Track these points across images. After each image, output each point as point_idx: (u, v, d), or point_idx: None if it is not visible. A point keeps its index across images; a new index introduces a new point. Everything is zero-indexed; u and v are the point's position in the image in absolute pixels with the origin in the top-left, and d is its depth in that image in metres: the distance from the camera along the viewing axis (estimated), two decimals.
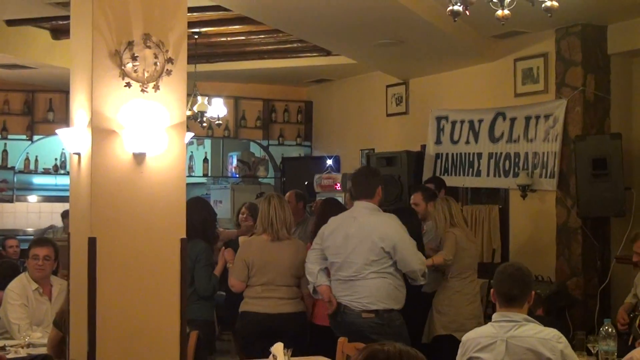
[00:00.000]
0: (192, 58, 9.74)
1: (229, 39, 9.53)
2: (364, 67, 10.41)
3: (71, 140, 4.61)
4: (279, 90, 12.24)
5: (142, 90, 4.44)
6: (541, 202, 8.11)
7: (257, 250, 6.05)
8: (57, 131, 4.77)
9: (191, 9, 7.85)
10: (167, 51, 4.51)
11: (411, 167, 9.36)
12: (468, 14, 3.96)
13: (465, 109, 9.07)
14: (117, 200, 4.38)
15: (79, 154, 4.61)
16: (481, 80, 9.06)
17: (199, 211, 6.15)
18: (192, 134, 7.08)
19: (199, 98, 9.25)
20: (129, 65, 4.41)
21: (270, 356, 4.87)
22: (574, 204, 7.60)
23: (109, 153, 4.37)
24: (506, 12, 3.97)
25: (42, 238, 7.16)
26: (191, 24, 8.65)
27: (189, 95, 9.37)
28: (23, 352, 5.17)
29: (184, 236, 4.54)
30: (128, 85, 4.40)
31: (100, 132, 4.36)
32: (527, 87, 8.33)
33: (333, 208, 6.64)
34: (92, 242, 4.29)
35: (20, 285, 5.95)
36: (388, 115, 10.53)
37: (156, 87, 4.48)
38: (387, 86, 10.49)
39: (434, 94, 9.77)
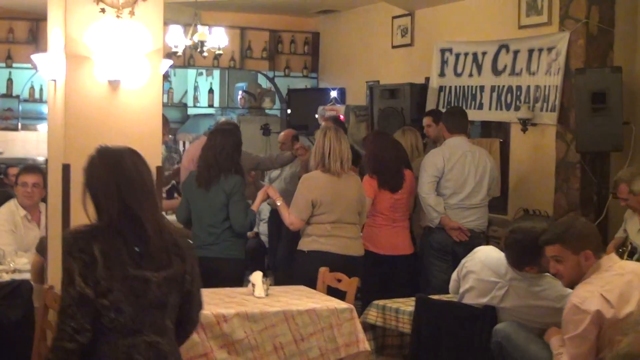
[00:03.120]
0: None
1: None
2: None
3: (47, 66, 4.57)
4: (286, 21, 12.08)
5: (117, 16, 4.39)
6: (541, 136, 8.01)
7: (324, 186, 5.74)
8: (31, 57, 4.73)
9: None
10: None
11: (414, 100, 9.25)
12: None
13: (469, 41, 8.92)
14: (91, 128, 4.38)
15: (54, 81, 4.58)
16: (486, 11, 8.89)
17: (227, 141, 5.85)
18: (171, 62, 6.81)
19: (199, 27, 9.11)
20: None
21: (250, 285, 4.90)
22: (574, 138, 7.50)
23: (83, 80, 4.36)
24: None
25: (31, 165, 7.17)
26: None
27: (189, 24, 9.30)
28: (7, 277, 5.22)
29: (160, 164, 4.53)
30: (102, 10, 4.35)
31: (75, 59, 4.34)
32: (531, 19, 8.16)
33: (388, 143, 6.79)
34: (65, 168, 4.29)
35: (9, 211, 5.98)
36: (393, 47, 10.39)
37: (132, 13, 4.42)
38: (393, 17, 10.32)
39: (439, 26, 9.61)
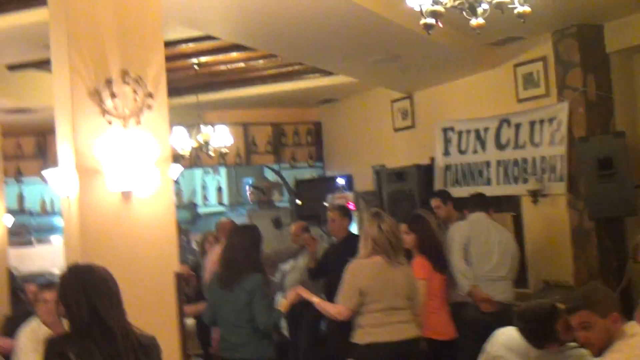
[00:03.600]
0: (194, 88, 9.88)
1: (229, 66, 9.53)
2: (368, 84, 10.40)
3: (57, 181, 4.62)
4: (287, 114, 12.26)
5: (124, 126, 4.46)
6: (553, 206, 8.00)
7: (372, 273, 5.48)
8: (42, 172, 4.79)
9: (187, 40, 7.97)
10: (146, 86, 4.52)
11: (422, 181, 9.31)
12: (441, 25, 3.94)
13: (470, 119, 9.02)
14: (107, 240, 4.39)
15: (68, 196, 4.62)
16: (483, 88, 9.00)
17: (245, 240, 5.82)
18: (181, 168, 6.89)
19: (203, 128, 9.26)
20: (109, 103, 4.44)
21: None
22: (585, 206, 7.50)
23: (96, 193, 4.39)
24: (480, 21, 3.95)
25: (50, 281, 7.15)
26: (189, 55, 8.70)
27: (192, 125, 9.44)
28: None
29: (177, 269, 4.53)
30: (109, 122, 4.42)
31: (86, 172, 4.38)
32: (529, 92, 8.26)
33: (432, 224, 6.83)
34: None
35: (32, 331, 5.92)
36: (395, 130, 10.50)
37: (138, 122, 4.49)
38: (392, 101, 10.47)
39: (438, 106, 9.74)
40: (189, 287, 7.61)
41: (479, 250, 6.94)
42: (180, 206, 12.26)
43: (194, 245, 12.06)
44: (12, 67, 8.93)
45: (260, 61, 9.35)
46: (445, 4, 3.84)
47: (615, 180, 7.08)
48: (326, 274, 7.44)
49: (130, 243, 4.42)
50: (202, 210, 13.19)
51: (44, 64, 8.78)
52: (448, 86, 9.50)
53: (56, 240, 11.83)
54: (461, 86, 9.32)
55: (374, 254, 5.52)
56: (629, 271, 7.26)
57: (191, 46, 8.21)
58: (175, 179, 11.55)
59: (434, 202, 7.85)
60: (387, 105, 10.57)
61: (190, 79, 9.62)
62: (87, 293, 3.21)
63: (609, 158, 7.10)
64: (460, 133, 9.14)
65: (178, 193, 12.34)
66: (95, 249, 4.34)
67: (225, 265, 5.80)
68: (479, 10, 3.90)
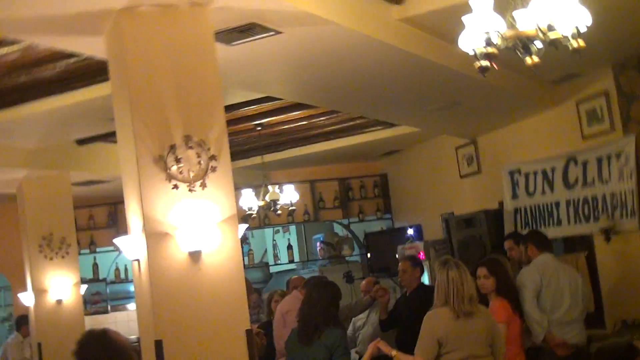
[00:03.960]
0: (258, 149, 10.02)
1: (291, 125, 9.65)
2: (431, 132, 10.41)
3: (129, 248, 4.72)
4: (352, 168, 12.33)
5: (190, 190, 4.54)
6: (626, 243, 7.83)
7: (449, 323, 5.29)
8: (114, 241, 4.90)
9: (249, 102, 8.11)
10: (209, 149, 4.61)
11: (491, 226, 9.23)
12: (496, 67, 3.94)
13: (536, 159, 8.94)
14: (178, 301, 4.45)
15: (138, 260, 4.71)
16: (547, 127, 8.94)
17: (323, 295, 5.84)
18: (247, 226, 6.88)
19: (270, 187, 9.36)
20: (174, 168, 4.52)
21: None
22: None
23: (165, 255, 4.46)
24: (535, 59, 3.94)
25: None
26: (251, 117, 8.84)
27: (259, 186, 9.56)
28: None
29: (249, 327, 4.56)
30: (175, 187, 4.51)
31: (154, 237, 4.46)
32: (594, 128, 8.17)
33: (503, 266, 6.70)
34: (158, 345, 4.35)
35: None
36: (462, 176, 10.46)
37: (203, 185, 4.57)
38: (457, 148, 10.45)
39: (503, 148, 9.68)
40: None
41: (552, 298, 6.79)
42: (252, 266, 12.35)
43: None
44: (81, 142, 9.20)
45: (322, 118, 9.43)
46: (498, 45, 3.85)
47: None
48: (397, 324, 7.40)
49: (201, 303, 4.47)
50: (274, 269, 13.26)
51: (110, 136, 9.03)
52: (511, 128, 9.45)
53: (131, 306, 12.01)
54: (524, 127, 9.27)
55: (447, 302, 5.41)
56: None
57: (253, 108, 8.35)
58: (245, 239, 11.73)
59: (507, 244, 7.75)
60: (452, 152, 10.55)
61: (254, 140, 9.76)
62: (105, 349, 3.68)
63: None
64: (527, 175, 9.06)
65: (249, 253, 12.43)
66: (166, 309, 4.40)
67: (303, 321, 5.82)
68: (533, 48, 3.90)
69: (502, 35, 3.82)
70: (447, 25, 5.72)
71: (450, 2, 5.58)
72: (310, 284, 6.55)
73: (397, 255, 10.35)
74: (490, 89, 7.58)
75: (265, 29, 5.25)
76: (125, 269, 11.77)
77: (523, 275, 6.87)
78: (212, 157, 4.61)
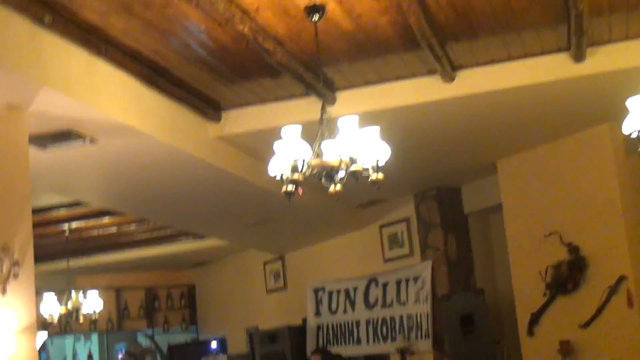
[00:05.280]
0: (65, 253, 9.77)
1: (101, 231, 9.52)
2: (240, 246, 10.55)
3: None
4: (161, 277, 12.20)
5: None
6: None
7: None
8: None
9: (58, 206, 7.97)
10: (13, 254, 4.51)
11: (294, 342, 9.39)
12: (300, 193, 4.18)
13: (340, 279, 9.25)
14: None
15: None
16: (352, 248, 9.31)
17: None
18: (46, 335, 6.70)
19: (73, 292, 9.11)
20: None
21: None
22: None
23: None
24: (338, 187, 4.22)
25: None
26: (60, 220, 8.66)
27: (63, 291, 9.29)
28: None
29: None
30: None
31: None
32: (394, 252, 8.61)
33: None
34: None
35: None
36: (268, 291, 10.62)
37: (3, 291, 4.45)
38: (265, 263, 10.63)
39: (309, 266, 9.95)
40: None
41: None
42: None
43: None
44: None
45: (132, 226, 9.38)
46: (305, 172, 4.10)
47: (477, 337, 7.36)
48: None
49: None
50: None
51: None
52: (318, 247, 9.76)
53: None
54: (331, 247, 9.60)
55: None
56: None
57: (62, 212, 8.21)
58: (44, 347, 11.24)
59: (314, 358, 7.80)
60: (260, 267, 10.72)
61: (62, 245, 9.53)
62: None
63: (470, 315, 7.39)
64: (330, 293, 9.34)
65: None
66: None
67: None
68: (336, 178, 4.17)
69: (308, 163, 4.08)
70: (261, 145, 6.00)
71: (265, 126, 5.87)
72: None
73: None
74: (299, 209, 7.84)
75: (80, 136, 5.27)
76: None
77: None
78: (16, 263, 4.51)
